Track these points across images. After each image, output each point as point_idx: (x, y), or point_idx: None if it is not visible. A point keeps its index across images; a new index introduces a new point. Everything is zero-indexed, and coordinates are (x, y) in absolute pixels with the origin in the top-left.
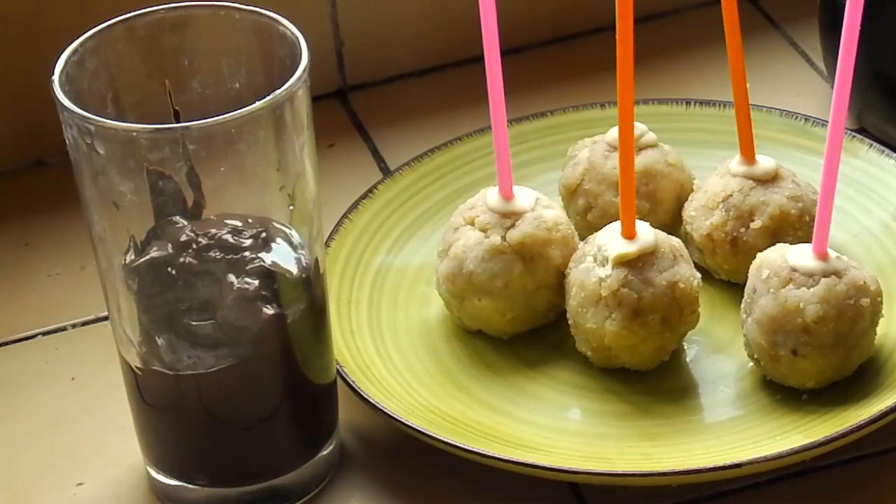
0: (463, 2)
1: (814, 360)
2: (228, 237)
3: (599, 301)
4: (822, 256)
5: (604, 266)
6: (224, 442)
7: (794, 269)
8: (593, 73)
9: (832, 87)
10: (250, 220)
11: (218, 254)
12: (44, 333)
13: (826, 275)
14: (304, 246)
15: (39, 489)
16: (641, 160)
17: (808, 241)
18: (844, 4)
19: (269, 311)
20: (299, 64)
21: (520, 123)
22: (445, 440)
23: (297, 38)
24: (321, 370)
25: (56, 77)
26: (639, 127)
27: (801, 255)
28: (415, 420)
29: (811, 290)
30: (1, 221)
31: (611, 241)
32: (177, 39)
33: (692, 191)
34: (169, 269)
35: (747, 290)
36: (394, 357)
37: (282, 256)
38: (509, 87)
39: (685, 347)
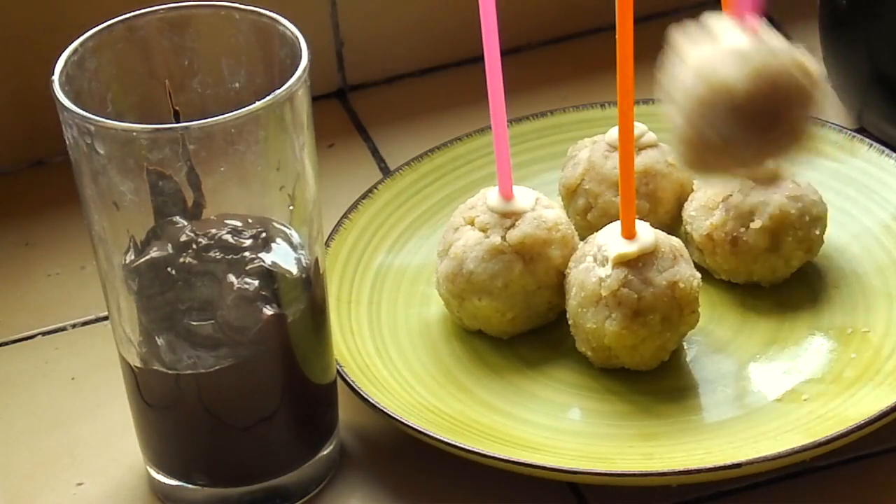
0: (463, 2)
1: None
2: (228, 237)
3: (599, 301)
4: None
5: (604, 266)
6: (224, 442)
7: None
8: (593, 73)
9: (832, 87)
10: (250, 220)
11: (218, 254)
12: (44, 333)
13: None
14: (304, 246)
15: (39, 489)
16: (641, 160)
17: (809, 241)
18: (844, 4)
19: (269, 311)
20: (299, 64)
21: (520, 123)
22: (445, 440)
23: (297, 38)
24: (321, 370)
25: (56, 77)
26: (639, 127)
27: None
28: (415, 420)
29: None
30: (1, 221)
31: (611, 241)
32: (177, 39)
33: (692, 191)
34: (169, 269)
35: None
36: (394, 357)
37: (282, 256)
38: (509, 87)
39: (685, 347)
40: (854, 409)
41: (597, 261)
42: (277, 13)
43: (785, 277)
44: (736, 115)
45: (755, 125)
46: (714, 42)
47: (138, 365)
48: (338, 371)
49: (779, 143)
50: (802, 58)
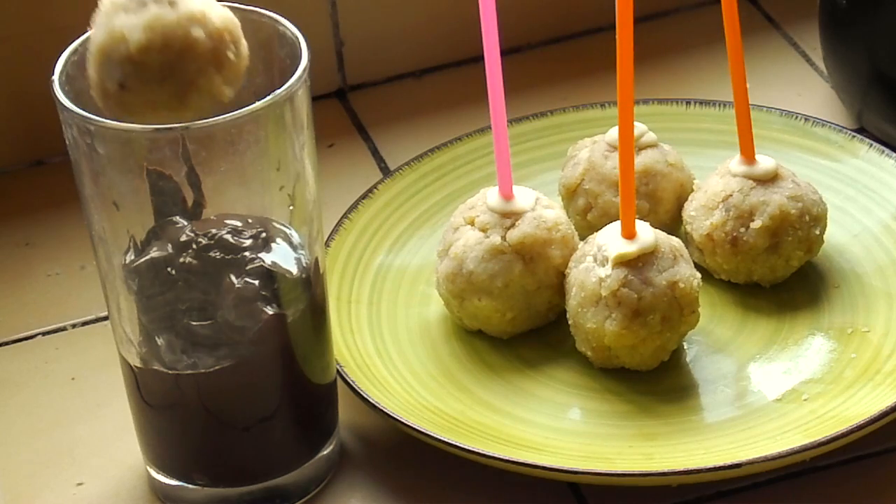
0: (463, 2)
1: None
2: (228, 237)
3: (599, 301)
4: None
5: (604, 266)
6: (224, 442)
7: None
8: (593, 73)
9: (832, 87)
10: (250, 220)
11: (218, 254)
12: (44, 333)
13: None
14: (304, 246)
15: (39, 489)
16: (641, 160)
17: (809, 241)
18: (844, 4)
19: (269, 311)
20: (299, 64)
21: (520, 123)
22: (445, 440)
23: (297, 38)
24: (321, 370)
25: (56, 77)
26: (639, 127)
27: None
28: (415, 420)
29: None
30: (1, 221)
31: (611, 241)
32: None
33: (692, 191)
34: (169, 269)
35: None
36: (394, 357)
37: (282, 256)
38: (509, 87)
39: (685, 347)
40: (854, 409)
41: (597, 261)
42: (277, 13)
43: (785, 277)
44: (130, 63)
45: (148, 74)
46: None
47: (138, 365)
48: (338, 371)
49: (182, 94)
50: (215, 16)
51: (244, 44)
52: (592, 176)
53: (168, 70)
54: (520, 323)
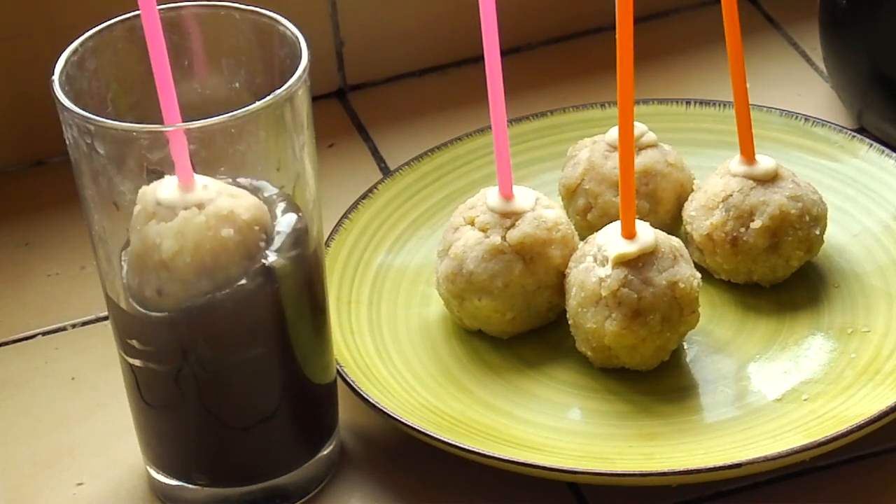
0: (463, 2)
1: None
2: None
3: (599, 301)
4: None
5: (604, 266)
6: (224, 442)
7: None
8: (593, 73)
9: (832, 87)
10: None
11: None
12: (44, 333)
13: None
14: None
15: (39, 489)
16: (641, 160)
17: (809, 241)
18: (844, 4)
19: (269, 310)
20: (299, 64)
21: (520, 123)
22: (445, 440)
23: (297, 38)
24: (321, 370)
25: (56, 77)
26: (639, 127)
27: None
28: (415, 420)
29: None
30: (1, 221)
31: (611, 241)
32: (177, 39)
33: (692, 191)
34: None
35: None
36: (394, 357)
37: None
38: (509, 87)
39: (685, 347)
40: (854, 409)
41: (597, 261)
42: (277, 13)
43: (785, 277)
44: (165, 270)
45: (183, 278)
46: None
47: (138, 365)
48: (338, 371)
49: (218, 288)
50: (243, 210)
51: (273, 226)
52: (592, 176)
53: (202, 271)
54: (520, 323)
